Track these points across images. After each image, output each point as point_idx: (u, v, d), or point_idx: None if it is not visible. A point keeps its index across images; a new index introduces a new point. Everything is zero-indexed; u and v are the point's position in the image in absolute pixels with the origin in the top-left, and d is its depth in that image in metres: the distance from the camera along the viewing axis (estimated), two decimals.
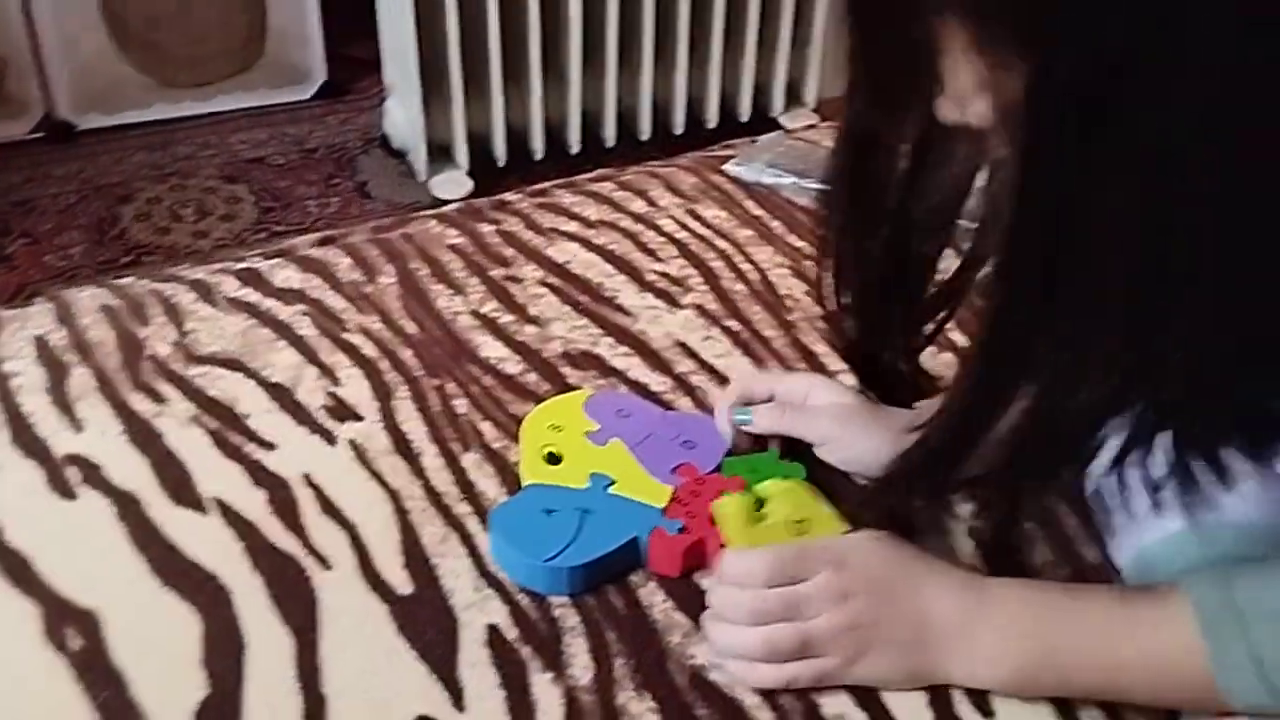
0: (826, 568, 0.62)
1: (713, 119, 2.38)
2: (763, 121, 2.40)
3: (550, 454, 0.74)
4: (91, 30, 2.31)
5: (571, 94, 2.23)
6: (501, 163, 2.25)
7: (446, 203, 0.86)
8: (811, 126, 1.18)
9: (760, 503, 0.70)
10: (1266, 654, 0.54)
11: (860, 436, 0.71)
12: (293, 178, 2.34)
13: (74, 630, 0.63)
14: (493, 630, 0.64)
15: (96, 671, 0.61)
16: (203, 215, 2.20)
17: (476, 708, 0.60)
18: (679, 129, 2.36)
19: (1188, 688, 0.57)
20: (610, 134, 2.30)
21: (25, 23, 2.23)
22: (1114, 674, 0.59)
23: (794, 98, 2.47)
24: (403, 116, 2.26)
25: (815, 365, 0.84)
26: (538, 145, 2.26)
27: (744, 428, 0.75)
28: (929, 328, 0.69)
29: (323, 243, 0.96)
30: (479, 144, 2.23)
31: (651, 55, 2.25)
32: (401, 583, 0.67)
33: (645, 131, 2.34)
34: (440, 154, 2.24)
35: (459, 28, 2.06)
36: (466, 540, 0.69)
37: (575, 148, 2.29)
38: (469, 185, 2.23)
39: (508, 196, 1.04)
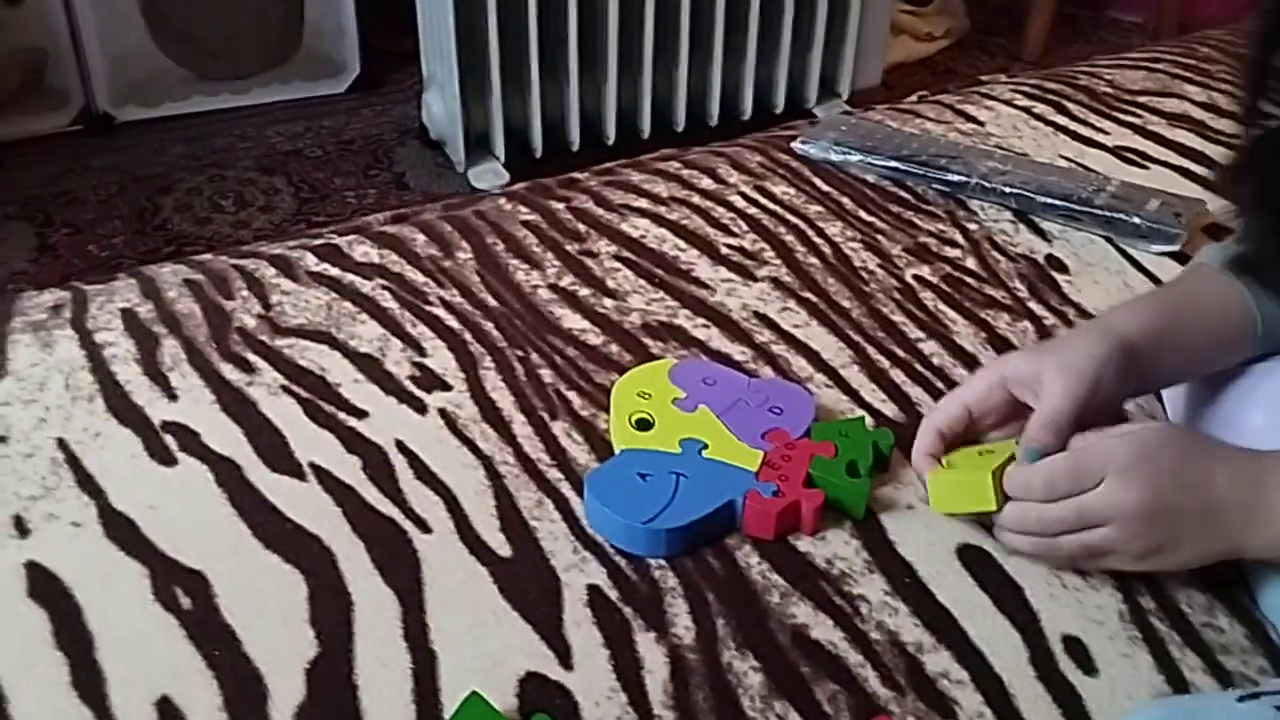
0: (1110, 472, 0.62)
1: (747, 111, 2.39)
2: (797, 114, 2.40)
3: (640, 420, 0.74)
4: (130, 23, 2.33)
5: (608, 86, 2.23)
6: (538, 154, 2.25)
7: (485, 193, 0.86)
8: (871, 107, 1.18)
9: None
10: None
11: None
12: (330, 169, 2.35)
13: (183, 590, 0.64)
14: (594, 590, 0.65)
15: (208, 629, 0.61)
16: (242, 206, 2.21)
17: (584, 665, 0.61)
18: (713, 121, 2.36)
19: None
20: (646, 126, 2.31)
21: (66, 15, 2.25)
22: None
23: (828, 90, 2.47)
24: (440, 108, 2.27)
25: (894, 334, 0.85)
26: (574, 137, 2.26)
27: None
28: None
29: (396, 220, 0.97)
30: (516, 135, 2.24)
31: (687, 48, 2.25)
32: (500, 545, 0.67)
33: (680, 123, 2.34)
34: (477, 145, 2.25)
35: (498, 20, 2.06)
36: (561, 505, 0.70)
37: (611, 139, 2.29)
38: (505, 176, 2.24)
39: (576, 175, 1.04)
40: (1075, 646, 0.63)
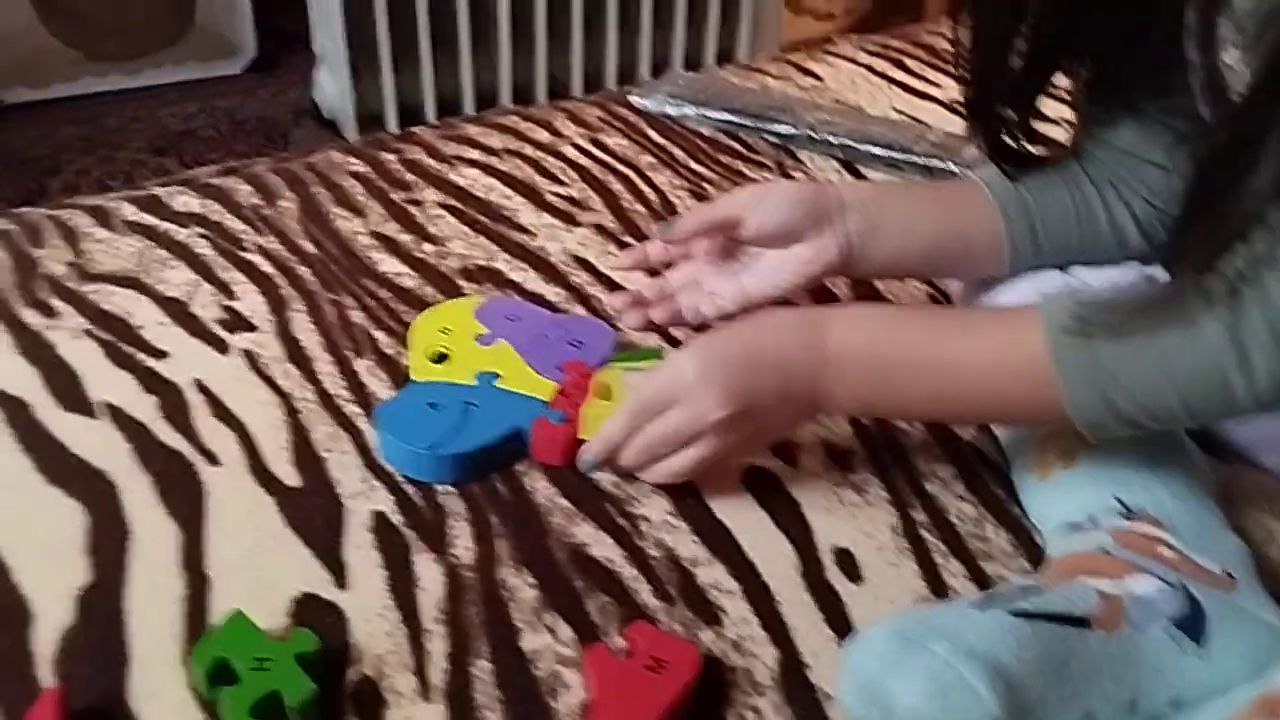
0: (677, 397, 0.63)
1: (644, 80, 2.40)
2: None
3: (438, 355, 0.75)
4: (16, 1, 2.28)
5: (501, 60, 2.23)
6: None
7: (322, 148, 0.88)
8: (716, 66, 1.19)
9: None
10: (1119, 372, 0.54)
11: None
12: (223, 149, 2.32)
13: None
14: (378, 516, 0.66)
15: None
16: (131, 186, 2.18)
17: (360, 585, 0.62)
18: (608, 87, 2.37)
19: (1025, 397, 0.58)
20: (542, 100, 2.31)
21: None
22: (952, 379, 0.60)
23: (725, 61, 2.50)
24: (332, 86, 2.25)
25: None
26: (468, 111, 2.26)
27: (664, 236, 0.75)
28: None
29: (224, 173, 0.96)
30: (409, 114, 2.23)
31: (582, 20, 2.26)
32: (288, 475, 0.68)
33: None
34: (371, 124, 2.23)
35: None
36: (356, 439, 0.71)
37: None
38: None
39: (414, 129, 1.05)
40: (845, 557, 0.65)
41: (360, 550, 0.64)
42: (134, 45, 2.45)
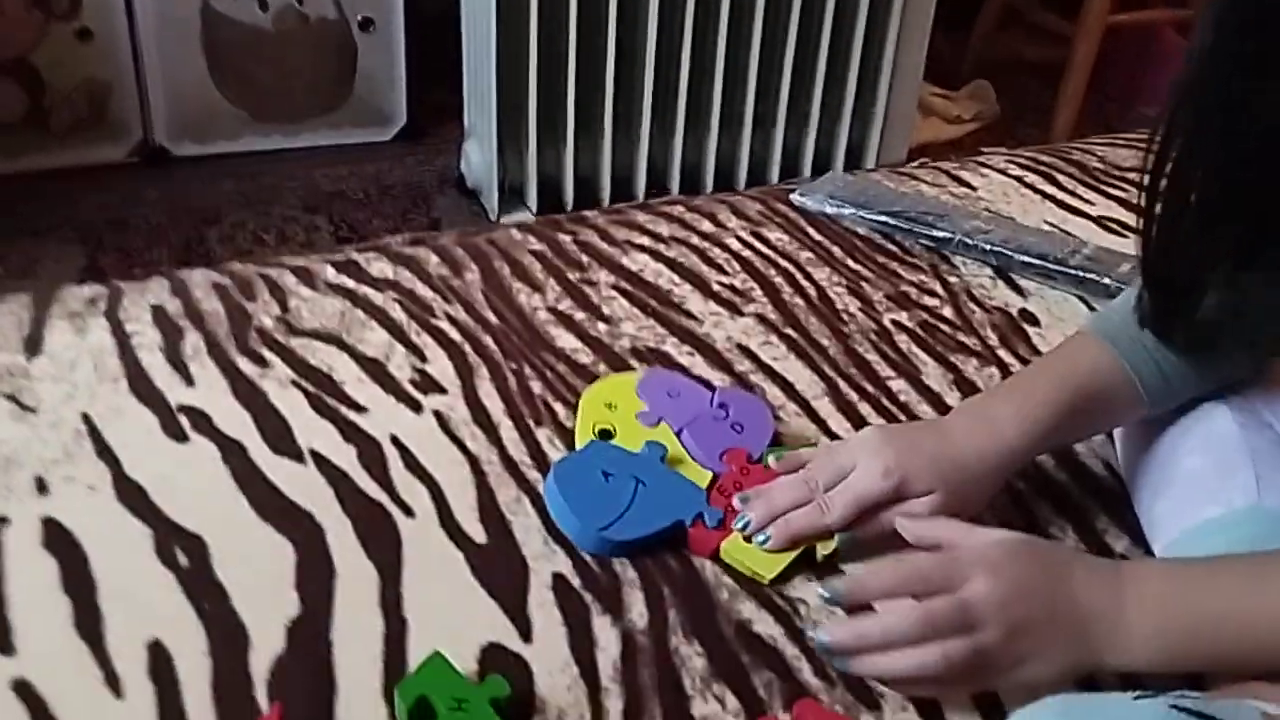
0: (978, 575, 0.62)
1: (773, 179, 2.46)
2: None
3: (603, 430, 0.80)
4: (191, 62, 2.44)
5: (641, 145, 2.32)
6: (569, 207, 2.34)
7: (500, 225, 0.94)
8: (871, 170, 1.24)
9: None
10: None
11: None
12: (369, 211, 2.44)
13: (182, 550, 0.70)
14: (558, 578, 0.70)
15: (201, 585, 0.67)
16: (283, 240, 2.30)
17: (542, 640, 0.66)
18: (740, 186, 2.44)
19: None
20: (675, 186, 2.39)
21: (131, 51, 2.38)
22: (1258, 629, 0.60)
23: (853, 161, 2.55)
24: (479, 158, 2.36)
25: (867, 372, 0.90)
26: (604, 192, 2.35)
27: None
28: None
29: (413, 243, 1.04)
30: (549, 188, 2.32)
31: (718, 113, 2.34)
32: (477, 533, 0.73)
33: (708, 186, 2.42)
34: (511, 195, 2.34)
35: (538, 76, 2.16)
36: (537, 501, 0.76)
37: (640, 197, 2.38)
38: None
39: (585, 213, 1.11)
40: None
41: (543, 608, 0.68)
42: (296, 109, 2.60)
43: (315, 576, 0.69)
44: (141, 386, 0.82)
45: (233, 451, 0.77)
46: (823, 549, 0.72)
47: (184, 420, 0.79)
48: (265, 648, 0.64)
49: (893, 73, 2.45)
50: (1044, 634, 0.61)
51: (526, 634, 0.67)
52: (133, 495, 0.73)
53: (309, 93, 2.60)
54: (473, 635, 0.66)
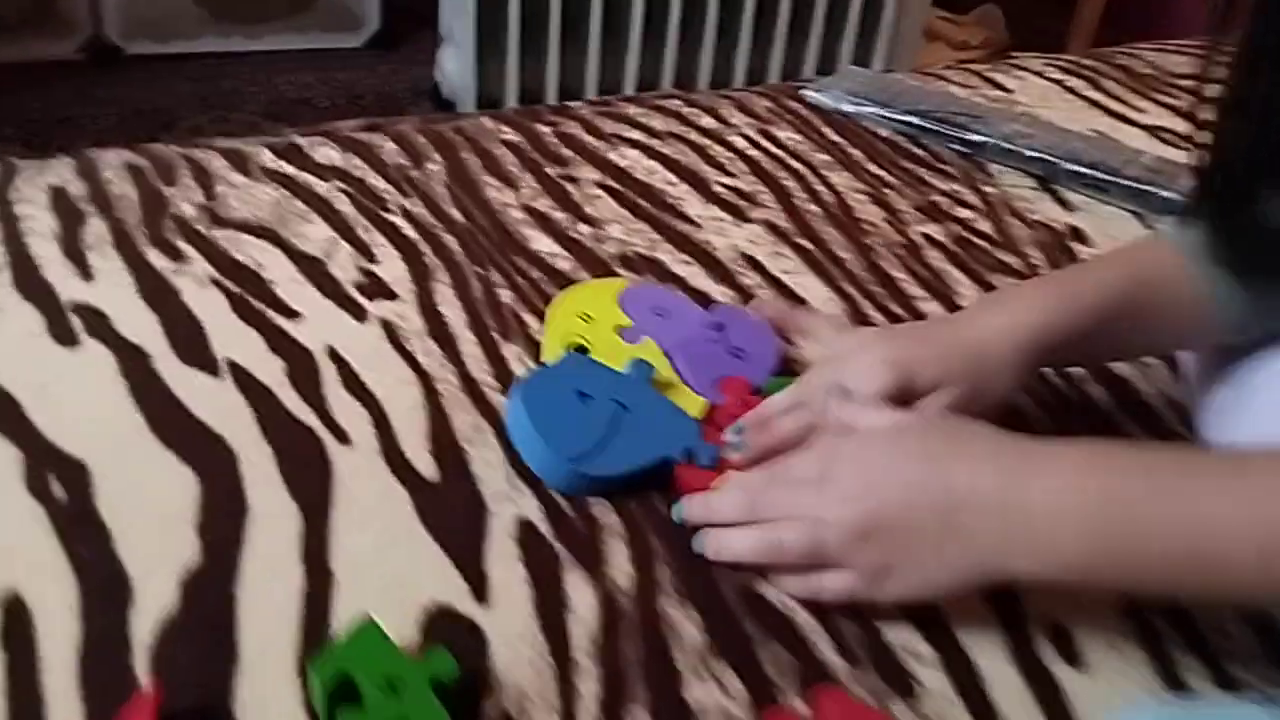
0: (833, 502, 0.52)
1: None
2: None
3: (576, 346, 0.66)
4: None
5: (630, 57, 2.16)
6: None
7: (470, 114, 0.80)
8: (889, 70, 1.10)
9: None
10: None
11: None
12: (337, 122, 2.28)
13: (58, 479, 0.56)
14: (524, 524, 0.57)
15: (78, 523, 0.54)
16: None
17: (503, 602, 0.53)
18: None
19: None
20: None
21: None
22: (1208, 538, 0.46)
23: None
24: (455, 67, 2.20)
25: (893, 290, 0.77)
26: None
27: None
28: None
29: (368, 129, 0.89)
30: (530, 101, 2.17)
31: (715, 25, 2.18)
32: (426, 466, 0.60)
33: None
34: (490, 108, 2.18)
35: None
36: (501, 431, 0.62)
37: None
38: None
39: (569, 103, 0.97)
40: (1061, 636, 0.55)
41: (504, 561, 0.55)
42: (260, 9, 2.43)
43: (222, 516, 0.55)
44: (27, 279, 0.68)
45: (132, 359, 0.64)
46: None
47: (75, 320, 0.66)
48: (151, 605, 0.51)
49: None
50: (915, 541, 0.50)
51: (481, 593, 0.53)
52: (2, 408, 0.59)
53: None
54: (415, 593, 0.53)
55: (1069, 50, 2.70)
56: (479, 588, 0.54)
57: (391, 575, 0.54)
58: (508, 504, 0.58)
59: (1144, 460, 0.50)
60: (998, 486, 0.50)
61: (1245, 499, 0.46)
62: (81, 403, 0.61)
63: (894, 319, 0.74)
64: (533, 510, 0.58)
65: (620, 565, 0.56)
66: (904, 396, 0.58)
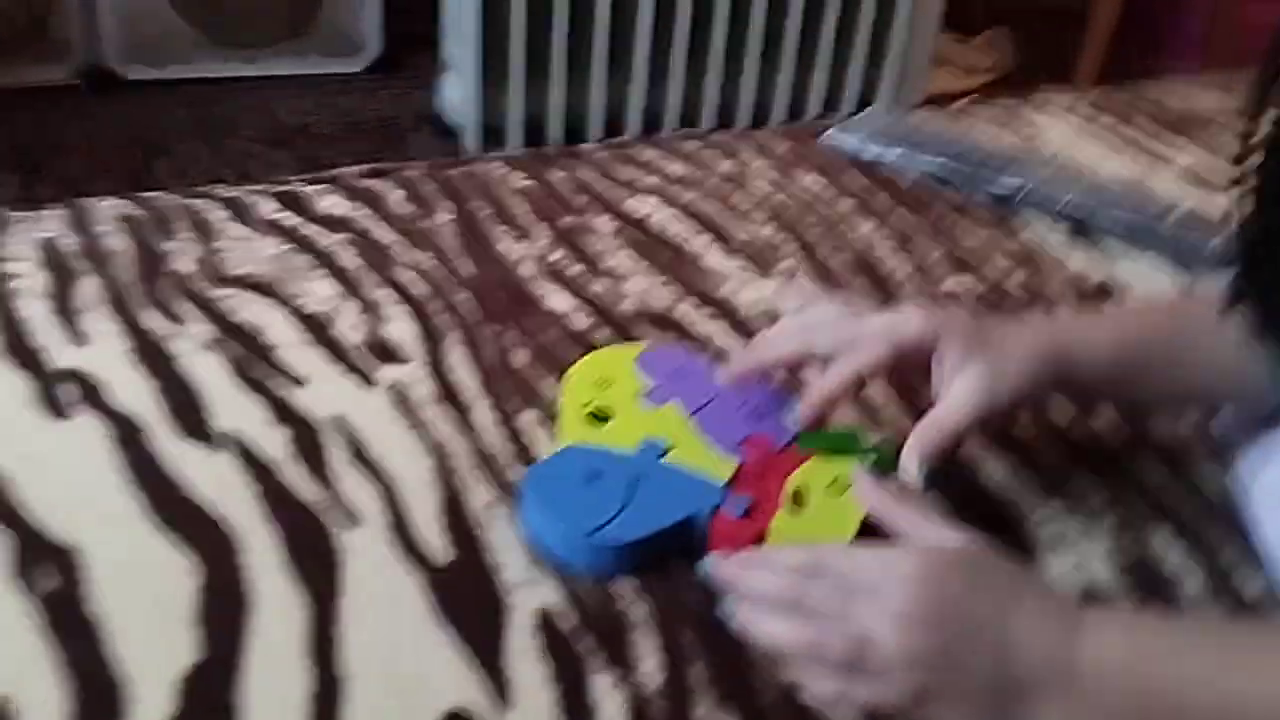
0: (883, 621, 0.49)
1: (778, 121, 2.28)
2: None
3: (596, 413, 0.62)
4: None
5: (635, 85, 2.13)
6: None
7: (480, 157, 0.77)
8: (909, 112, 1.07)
9: None
10: None
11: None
12: (336, 149, 2.24)
13: (47, 568, 0.52)
14: (545, 615, 0.53)
15: (68, 618, 0.50)
16: (244, 179, 2.10)
17: (523, 706, 0.49)
18: (743, 126, 2.26)
19: None
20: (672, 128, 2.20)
21: None
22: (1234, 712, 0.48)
23: (865, 106, 2.37)
24: (458, 94, 2.17)
25: None
26: (595, 134, 2.16)
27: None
28: None
29: (373, 174, 0.86)
30: (533, 129, 2.14)
31: (722, 53, 2.15)
32: (440, 550, 0.56)
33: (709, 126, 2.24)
34: (493, 136, 2.15)
35: (525, 5, 1.97)
36: (517, 507, 0.59)
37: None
38: None
39: (583, 147, 0.93)
40: None
41: (525, 659, 0.51)
42: (257, 33, 2.39)
43: (224, 609, 0.52)
44: (17, 345, 0.64)
45: (126, 432, 0.60)
46: (862, 459, 0.60)
47: (66, 389, 0.62)
48: (148, 709, 0.47)
49: (910, 16, 2.26)
50: (956, 675, 0.49)
51: (502, 697, 0.50)
52: None
53: (272, 16, 2.39)
54: (430, 697, 0.49)
55: (1079, 73, 2.68)
56: (499, 691, 0.50)
57: (405, 676, 0.50)
58: (527, 592, 0.54)
59: (1184, 641, 0.51)
60: (1052, 645, 0.49)
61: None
62: (71, 481, 0.57)
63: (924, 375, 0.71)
64: (553, 600, 0.54)
65: (650, 665, 0.52)
66: (923, 353, 0.60)
